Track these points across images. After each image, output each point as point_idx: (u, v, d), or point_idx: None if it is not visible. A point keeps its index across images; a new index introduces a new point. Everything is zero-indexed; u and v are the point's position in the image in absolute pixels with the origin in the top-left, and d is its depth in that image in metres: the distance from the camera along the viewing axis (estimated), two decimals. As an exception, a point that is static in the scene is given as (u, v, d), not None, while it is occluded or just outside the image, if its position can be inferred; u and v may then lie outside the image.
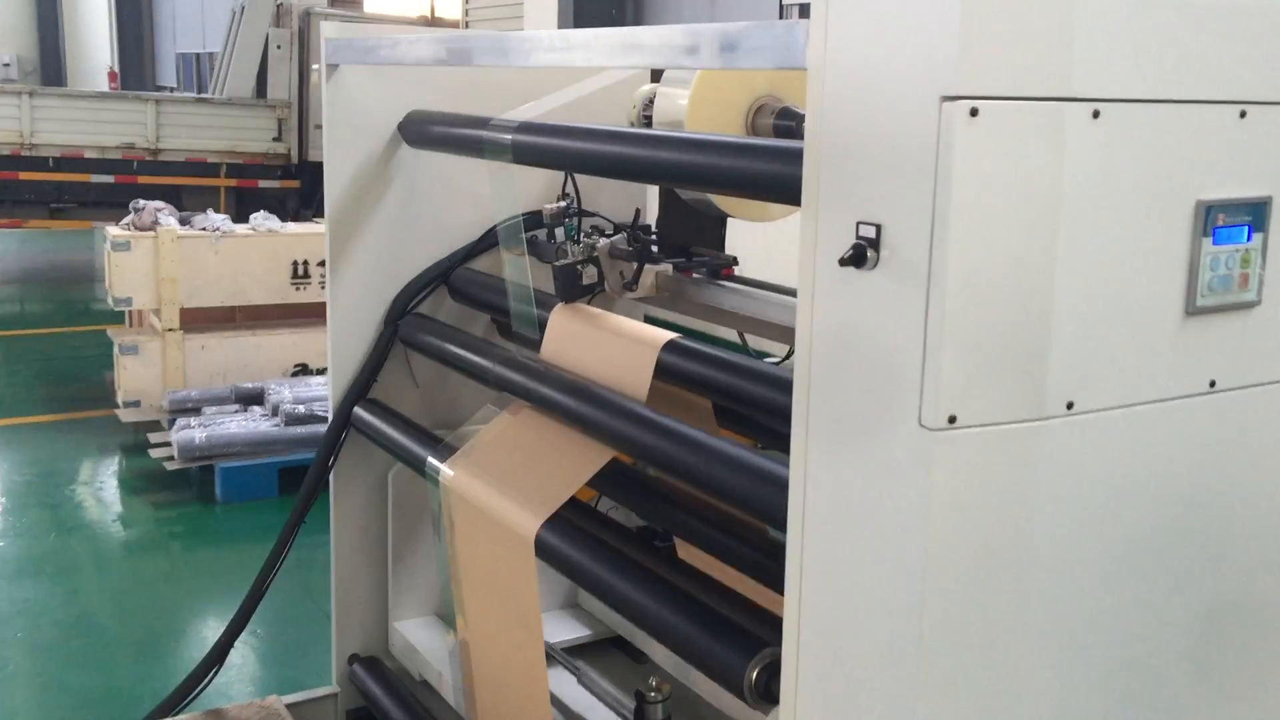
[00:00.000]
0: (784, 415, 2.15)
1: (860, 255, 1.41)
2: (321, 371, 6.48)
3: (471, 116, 2.75)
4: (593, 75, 2.91)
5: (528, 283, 2.70)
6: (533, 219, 3.03)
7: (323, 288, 6.59)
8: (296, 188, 11.74)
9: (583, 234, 2.66)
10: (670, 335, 2.34)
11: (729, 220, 2.89)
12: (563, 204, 2.63)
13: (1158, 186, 1.47)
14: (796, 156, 1.55)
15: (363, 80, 2.98)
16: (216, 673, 3.15)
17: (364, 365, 3.08)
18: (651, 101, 2.94)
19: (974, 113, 1.31)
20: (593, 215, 2.67)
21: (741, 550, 2.41)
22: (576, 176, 2.72)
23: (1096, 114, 1.39)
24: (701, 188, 1.87)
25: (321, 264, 6.54)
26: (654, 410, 2.21)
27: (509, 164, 2.66)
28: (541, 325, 2.68)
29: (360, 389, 3.07)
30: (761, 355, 2.76)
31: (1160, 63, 1.44)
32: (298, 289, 6.51)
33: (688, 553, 2.73)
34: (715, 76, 2.67)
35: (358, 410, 3.04)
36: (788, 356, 2.84)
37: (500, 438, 2.56)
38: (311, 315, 6.66)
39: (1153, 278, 1.50)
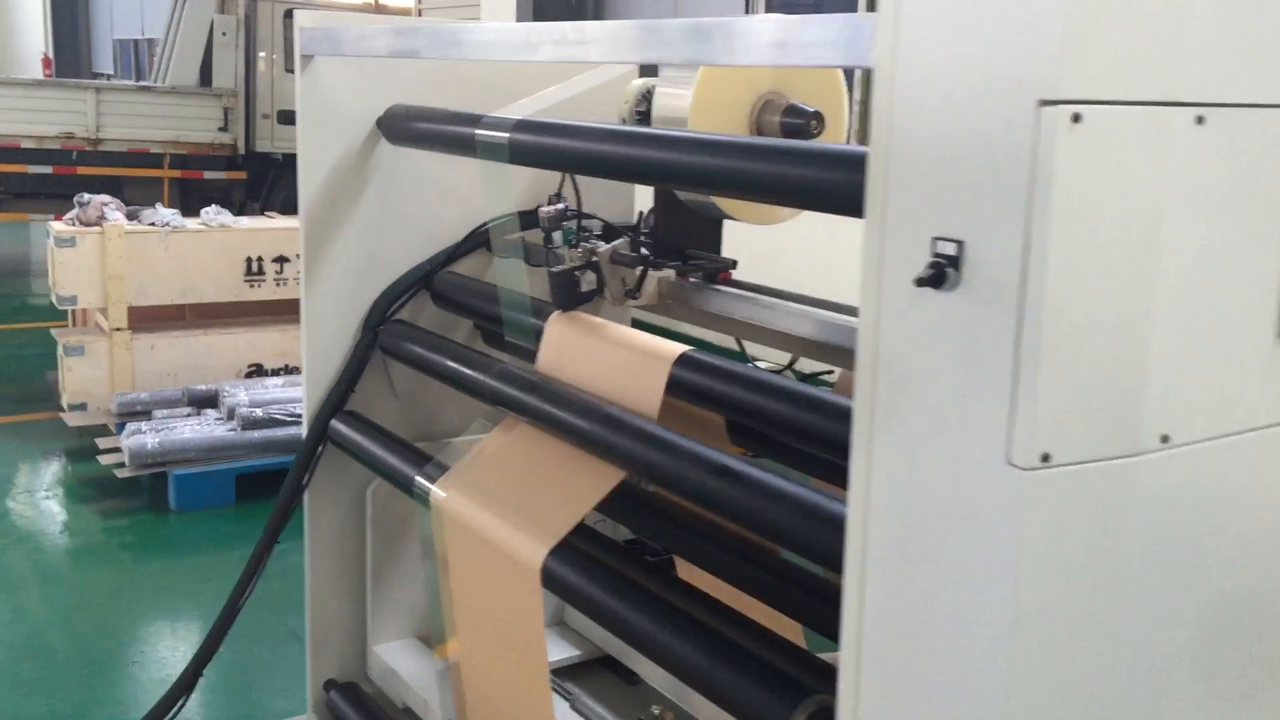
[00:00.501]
0: (805, 433, 2.04)
1: (939, 275, 1.28)
2: (278, 372, 6.26)
3: (459, 113, 2.59)
4: (585, 71, 2.75)
5: (524, 289, 2.55)
6: (519, 220, 2.88)
7: (278, 285, 6.41)
8: (243, 179, 11.42)
9: (581, 238, 2.51)
10: (682, 348, 2.20)
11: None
12: (560, 206, 2.47)
13: (1255, 199, 1.35)
14: (857, 164, 1.41)
15: (339, 73, 2.80)
16: (184, 704, 2.96)
17: (341, 374, 2.91)
18: (645, 97, 2.79)
19: (1076, 119, 1.18)
20: (592, 218, 2.52)
21: (750, 572, 2.29)
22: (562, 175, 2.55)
23: (1200, 120, 1.27)
24: (745, 195, 1.73)
25: (278, 260, 6.34)
26: (670, 429, 2.07)
27: (500, 164, 2.50)
28: (536, 334, 2.53)
29: (337, 400, 2.89)
30: (750, 360, 2.63)
31: (1263, 64, 1.32)
32: (252, 286, 6.27)
33: (687, 571, 2.60)
34: (719, 72, 2.53)
35: (335, 423, 2.86)
36: (790, 365, 2.73)
37: (495, 456, 2.41)
38: (266, 314, 6.44)
39: (1247, 298, 1.38)
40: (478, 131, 2.41)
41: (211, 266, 6.16)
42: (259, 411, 5.35)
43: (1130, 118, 1.21)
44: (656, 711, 2.51)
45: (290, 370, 6.30)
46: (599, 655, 3.17)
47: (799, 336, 2.40)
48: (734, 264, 2.69)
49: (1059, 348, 1.22)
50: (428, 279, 2.94)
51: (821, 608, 2.15)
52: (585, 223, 2.60)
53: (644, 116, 2.79)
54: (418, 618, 3.08)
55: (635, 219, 2.58)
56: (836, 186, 1.55)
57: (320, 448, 2.89)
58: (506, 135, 2.33)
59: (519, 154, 2.32)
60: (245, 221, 6.46)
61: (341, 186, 2.85)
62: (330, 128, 2.81)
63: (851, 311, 2.32)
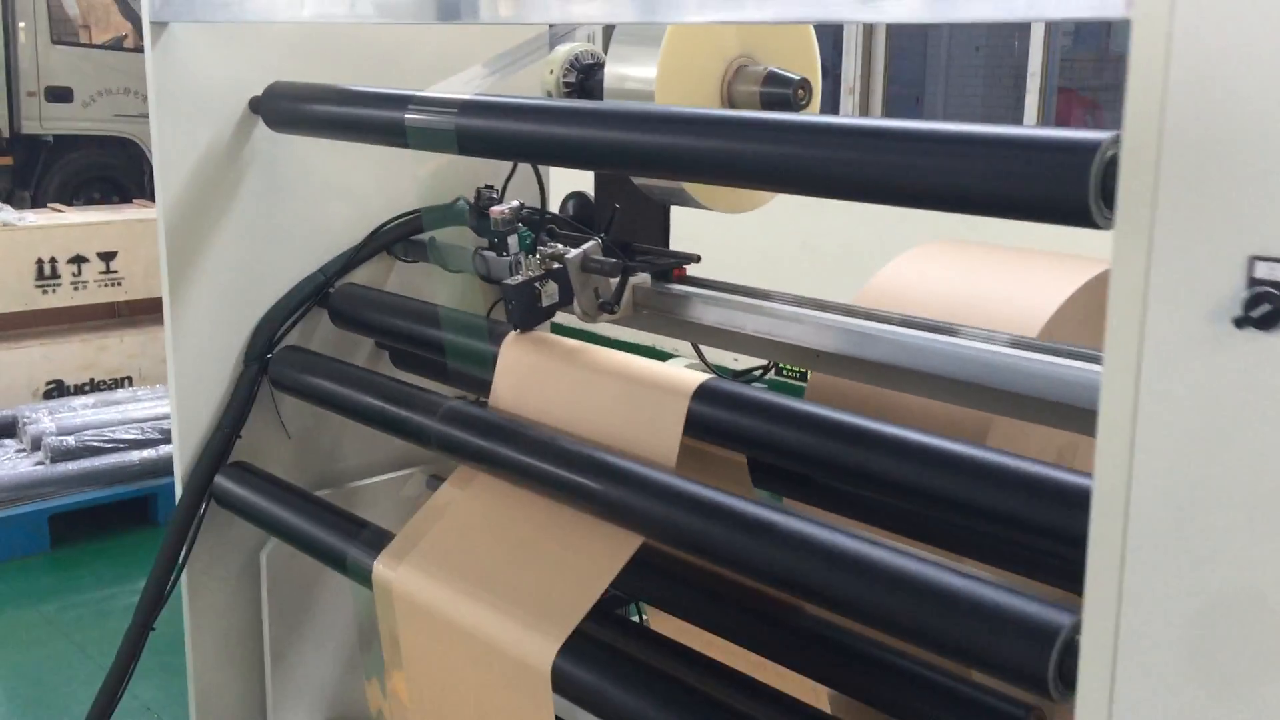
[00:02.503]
0: (861, 475, 1.66)
1: (1275, 312, 0.91)
2: (83, 389, 5.48)
3: (371, 92, 2.09)
4: (519, 40, 2.27)
5: (479, 306, 2.08)
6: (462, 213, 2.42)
7: (76, 289, 5.61)
8: (9, 165, 10.21)
9: (538, 241, 2.05)
10: (698, 376, 1.78)
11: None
12: (515, 204, 2.01)
13: None
14: (1077, 151, 1.03)
15: (201, 42, 2.24)
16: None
17: (222, 417, 2.36)
18: (575, 66, 2.36)
19: None
20: (556, 217, 2.06)
21: (763, 630, 1.92)
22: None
23: None
24: (884, 200, 1.30)
25: (75, 261, 5.55)
26: (703, 483, 1.66)
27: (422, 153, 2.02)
28: (484, 360, 2.07)
29: (219, 450, 2.34)
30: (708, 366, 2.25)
31: None
32: (45, 292, 5.46)
33: (662, 623, 2.21)
34: (686, 35, 2.13)
35: (221, 480, 2.32)
36: (766, 371, 2.35)
37: (455, 521, 1.93)
38: (63, 322, 5.63)
39: None
40: (410, 115, 1.92)
41: (-5, 271, 5.32)
42: (70, 440, 4.61)
43: None
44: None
45: (97, 386, 5.53)
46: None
47: (777, 340, 2.02)
48: (697, 258, 2.29)
49: None
50: (322, 292, 2.42)
51: (854, 668, 1.82)
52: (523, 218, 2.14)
53: (575, 89, 2.36)
54: (328, 697, 2.57)
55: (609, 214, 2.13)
56: (1057, 187, 1.15)
57: (202, 510, 2.33)
58: (453, 120, 1.84)
59: (471, 142, 1.84)
60: (32, 217, 5.61)
61: (210, 184, 2.30)
62: (193, 112, 2.25)
63: (832, 308, 1.96)
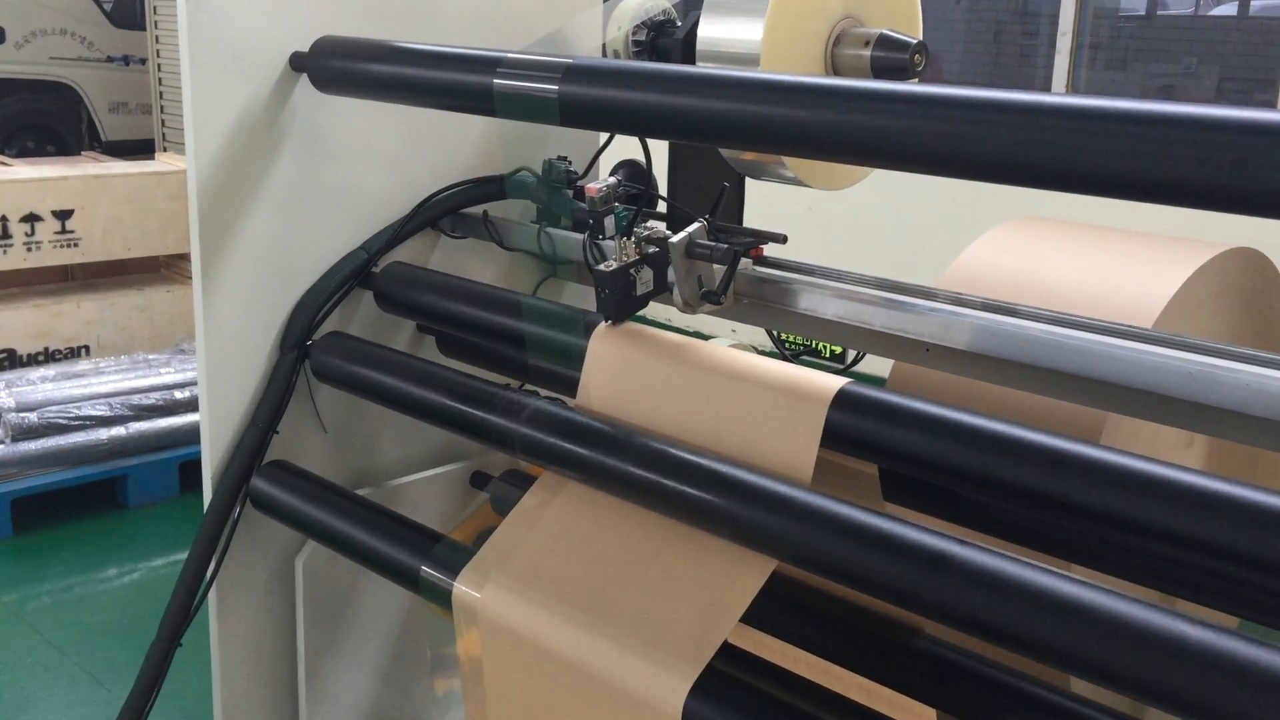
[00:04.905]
0: (1021, 492, 1.50)
1: None
2: (37, 359, 5.15)
3: (442, 52, 1.87)
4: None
5: (526, 287, 1.87)
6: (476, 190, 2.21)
7: (30, 250, 5.26)
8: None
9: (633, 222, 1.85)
10: (836, 381, 1.60)
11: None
12: (613, 181, 1.80)
13: None
14: None
15: (240, -7, 1.99)
16: None
17: (256, 411, 2.13)
18: (645, 25, 2.16)
19: None
20: (659, 197, 1.86)
21: (871, 657, 1.77)
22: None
23: None
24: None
25: (28, 220, 5.21)
26: (847, 502, 1.48)
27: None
28: (565, 354, 1.87)
29: (254, 448, 2.11)
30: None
31: None
32: (-4, 255, 5.12)
33: (749, 639, 2.04)
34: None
35: (257, 482, 2.09)
36: (854, 362, 2.20)
37: (544, 536, 1.73)
38: (12, 285, 5.29)
39: None
40: (500, 81, 1.70)
41: (-60, 232, 4.96)
42: (32, 416, 4.31)
43: None
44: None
45: (52, 356, 5.21)
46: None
47: (864, 327, 1.85)
48: (783, 238, 2.09)
49: None
50: (364, 271, 2.19)
51: (964, 687, 1.69)
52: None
53: (645, 48, 2.16)
54: (365, 712, 2.36)
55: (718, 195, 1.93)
56: None
57: (238, 514, 2.10)
58: (555, 86, 1.63)
59: (577, 112, 1.63)
60: (-19, 174, 5.25)
61: (246, 147, 2.06)
62: (229, 67, 2.01)
63: (918, 293, 1.79)
